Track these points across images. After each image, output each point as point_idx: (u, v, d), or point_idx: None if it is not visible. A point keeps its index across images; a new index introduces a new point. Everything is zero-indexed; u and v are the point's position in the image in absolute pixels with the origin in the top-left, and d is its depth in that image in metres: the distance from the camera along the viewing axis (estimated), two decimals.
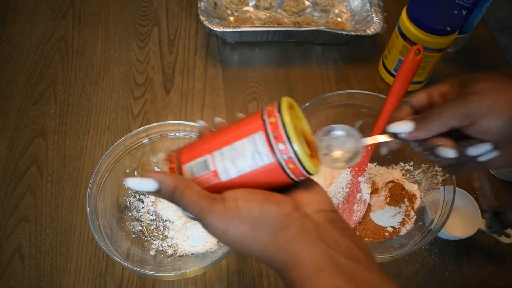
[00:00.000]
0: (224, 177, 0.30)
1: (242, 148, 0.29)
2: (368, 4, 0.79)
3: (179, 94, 0.71)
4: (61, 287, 0.53)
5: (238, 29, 0.72)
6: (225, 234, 0.28)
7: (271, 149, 0.29)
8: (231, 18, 0.80)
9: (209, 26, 0.71)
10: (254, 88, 0.73)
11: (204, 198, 0.29)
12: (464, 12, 0.71)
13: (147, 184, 0.29)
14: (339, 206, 0.57)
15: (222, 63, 0.76)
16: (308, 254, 0.27)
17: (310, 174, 0.30)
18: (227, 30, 0.72)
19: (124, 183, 0.27)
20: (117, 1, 0.82)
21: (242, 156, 0.29)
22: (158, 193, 0.30)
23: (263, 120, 0.29)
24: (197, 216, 0.29)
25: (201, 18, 0.72)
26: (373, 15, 0.77)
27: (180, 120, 0.66)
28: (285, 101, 0.30)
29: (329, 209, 0.30)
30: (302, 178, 0.30)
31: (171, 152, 0.34)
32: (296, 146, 0.28)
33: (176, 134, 0.58)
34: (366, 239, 0.56)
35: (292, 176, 0.29)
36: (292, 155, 0.28)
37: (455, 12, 0.65)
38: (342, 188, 0.58)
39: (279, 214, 0.28)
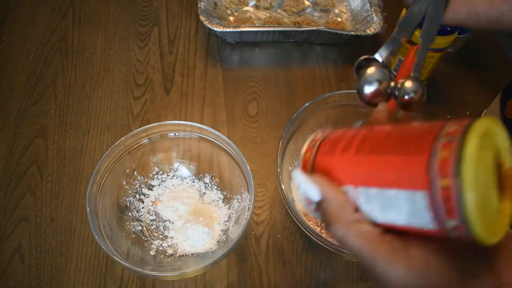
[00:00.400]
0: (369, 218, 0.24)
1: (395, 201, 0.22)
2: (368, 4, 0.79)
3: (179, 94, 0.71)
4: (61, 287, 0.53)
5: (238, 29, 0.72)
6: None
7: (436, 220, 0.20)
8: (231, 18, 0.80)
9: (209, 26, 0.71)
10: (254, 88, 0.73)
11: (379, 244, 0.24)
12: None
13: (311, 189, 0.26)
14: None
15: (222, 63, 0.76)
16: None
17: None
18: (227, 30, 0.72)
19: (292, 173, 0.26)
20: (117, 1, 0.82)
21: (395, 210, 0.22)
22: (316, 206, 0.26)
23: (431, 177, 0.19)
24: (366, 263, 0.24)
25: (201, 18, 0.72)
26: (373, 15, 0.77)
27: (180, 120, 0.66)
28: (474, 143, 0.18)
29: None
30: None
31: (306, 146, 0.28)
32: (477, 229, 0.19)
33: (176, 134, 0.58)
34: None
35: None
36: (467, 234, 0.20)
37: None
38: None
39: None
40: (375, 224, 0.24)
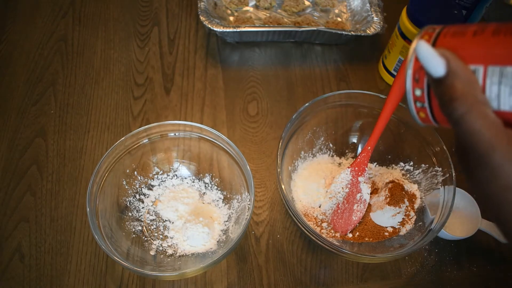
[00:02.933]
0: (491, 104, 0.23)
1: None
2: (368, 4, 0.79)
3: (179, 94, 0.71)
4: (61, 287, 0.53)
5: (238, 29, 0.72)
6: (507, 191, 0.22)
7: None
8: (231, 18, 0.80)
9: (209, 26, 0.71)
10: (254, 88, 0.73)
11: (501, 134, 0.22)
12: (464, 12, 0.71)
13: (436, 62, 0.23)
14: (339, 206, 0.57)
15: (222, 63, 0.76)
16: None
17: None
18: (227, 30, 0.72)
19: (416, 44, 0.25)
20: (117, 1, 0.82)
21: None
22: (436, 82, 0.24)
23: None
24: (479, 151, 0.23)
25: (201, 18, 0.72)
26: (373, 15, 0.77)
27: (180, 120, 0.66)
28: None
29: None
30: None
31: (424, 31, 0.26)
32: None
33: (176, 134, 0.58)
34: (366, 239, 0.56)
35: None
36: None
37: (455, 12, 0.65)
38: (342, 188, 0.58)
39: None
40: (498, 113, 0.23)
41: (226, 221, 0.57)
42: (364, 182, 0.57)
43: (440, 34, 0.26)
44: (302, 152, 0.61)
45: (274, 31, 0.74)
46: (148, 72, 0.73)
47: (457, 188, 0.52)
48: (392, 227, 0.57)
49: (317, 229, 0.57)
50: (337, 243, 0.55)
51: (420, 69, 0.26)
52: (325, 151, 0.64)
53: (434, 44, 0.26)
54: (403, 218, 0.57)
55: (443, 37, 0.26)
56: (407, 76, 0.27)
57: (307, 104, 0.57)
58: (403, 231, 0.56)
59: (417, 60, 0.26)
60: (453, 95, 0.23)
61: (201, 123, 0.58)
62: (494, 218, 0.25)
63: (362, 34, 0.74)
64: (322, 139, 0.63)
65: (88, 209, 0.48)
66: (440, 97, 0.24)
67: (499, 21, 0.24)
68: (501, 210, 0.24)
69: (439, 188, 0.55)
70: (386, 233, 0.56)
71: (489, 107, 0.23)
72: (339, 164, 0.64)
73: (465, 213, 0.59)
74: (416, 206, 0.58)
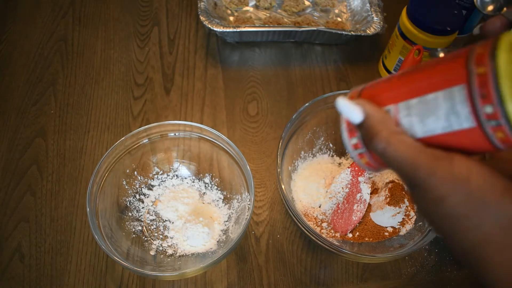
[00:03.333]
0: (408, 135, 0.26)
1: (434, 104, 0.24)
2: (368, 4, 0.79)
3: (179, 94, 0.71)
4: (61, 287, 0.53)
5: (238, 29, 0.72)
6: (440, 203, 0.24)
7: (473, 111, 0.22)
8: (231, 18, 0.80)
9: (209, 26, 0.71)
10: (254, 88, 0.73)
11: (421, 153, 0.24)
12: (464, 12, 0.71)
13: (353, 111, 0.27)
14: (339, 206, 0.57)
15: (222, 63, 0.76)
16: None
17: None
18: (227, 30, 0.72)
19: (336, 101, 0.29)
20: (117, 1, 0.82)
21: (434, 115, 0.24)
22: (359, 127, 0.27)
23: (468, 70, 0.22)
24: (407, 173, 0.25)
25: (201, 18, 0.72)
26: (373, 15, 0.77)
27: (180, 120, 0.66)
28: (506, 41, 0.21)
29: None
30: None
31: (351, 92, 0.30)
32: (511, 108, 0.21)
33: (176, 134, 0.58)
34: (366, 239, 0.56)
35: (499, 145, 0.23)
36: (504, 123, 0.21)
37: (455, 12, 0.65)
38: (342, 188, 0.58)
39: None
40: (416, 140, 0.26)
41: (226, 221, 0.57)
42: (364, 182, 0.57)
43: (364, 89, 0.30)
44: (302, 152, 0.61)
45: (274, 31, 0.74)
46: (148, 72, 0.73)
47: None
48: (392, 227, 0.57)
49: (317, 229, 0.57)
50: (337, 243, 0.55)
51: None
52: (325, 151, 0.64)
53: (359, 95, 0.30)
54: (403, 218, 0.57)
55: (365, 91, 0.30)
56: (342, 130, 0.30)
57: (307, 104, 0.57)
58: (403, 231, 0.56)
59: None
60: (372, 134, 0.26)
61: (201, 123, 0.58)
62: (435, 232, 0.27)
63: (362, 34, 0.74)
64: (322, 139, 0.63)
65: (88, 209, 0.49)
66: (365, 139, 0.28)
67: None
68: (434, 224, 0.26)
69: None
70: (386, 233, 0.56)
71: (405, 134, 0.26)
72: (339, 164, 0.64)
73: None
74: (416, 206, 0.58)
